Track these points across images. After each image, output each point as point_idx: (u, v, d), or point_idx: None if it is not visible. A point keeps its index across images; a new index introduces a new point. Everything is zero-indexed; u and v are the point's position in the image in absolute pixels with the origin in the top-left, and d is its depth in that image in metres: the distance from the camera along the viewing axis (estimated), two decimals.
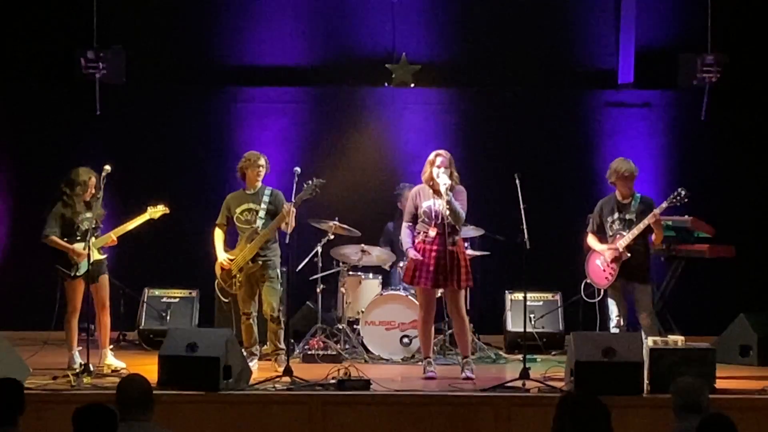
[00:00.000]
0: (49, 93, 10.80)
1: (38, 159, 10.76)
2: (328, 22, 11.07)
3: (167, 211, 8.68)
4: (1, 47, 10.74)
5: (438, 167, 8.05)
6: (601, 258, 8.28)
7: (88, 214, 8.32)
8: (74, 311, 8.34)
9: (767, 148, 10.77)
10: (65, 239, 8.26)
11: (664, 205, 8.12)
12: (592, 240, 8.42)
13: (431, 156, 8.16)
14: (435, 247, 8.01)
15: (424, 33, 11.07)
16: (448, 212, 7.95)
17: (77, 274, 8.27)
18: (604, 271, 8.27)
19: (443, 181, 7.98)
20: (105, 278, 8.48)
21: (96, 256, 8.31)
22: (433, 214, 8.05)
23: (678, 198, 8.12)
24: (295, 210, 8.32)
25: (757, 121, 10.79)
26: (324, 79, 11.02)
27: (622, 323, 8.24)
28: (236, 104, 11.08)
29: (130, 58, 10.65)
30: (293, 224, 8.27)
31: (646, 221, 8.10)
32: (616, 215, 8.30)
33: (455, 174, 8.12)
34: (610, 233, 8.30)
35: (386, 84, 10.95)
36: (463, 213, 8.06)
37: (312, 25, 11.09)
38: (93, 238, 8.29)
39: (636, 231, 8.15)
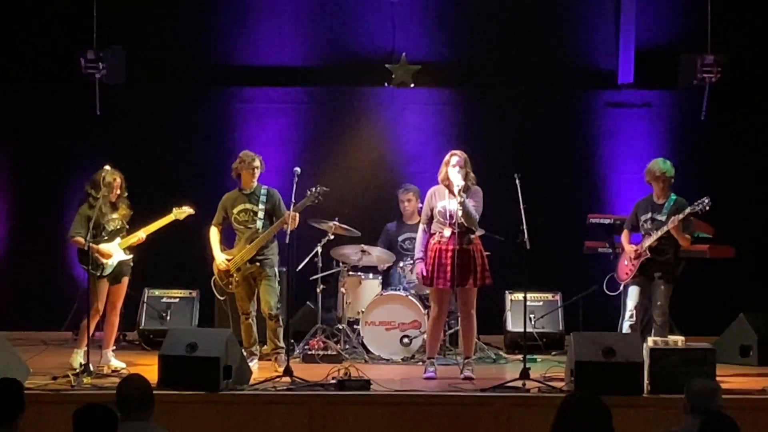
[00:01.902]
0: (49, 93, 10.79)
1: (38, 159, 10.76)
2: (328, 22, 11.06)
3: (192, 212, 8.69)
4: (2, 47, 10.74)
5: (453, 167, 8.07)
6: (628, 255, 8.38)
7: (114, 215, 8.39)
8: (96, 312, 8.32)
9: (767, 148, 10.76)
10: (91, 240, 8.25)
11: (688, 210, 8.15)
12: (623, 237, 8.57)
13: (447, 156, 8.19)
14: (450, 247, 8.02)
15: (424, 33, 11.06)
16: (461, 213, 7.97)
17: (103, 274, 8.28)
18: (626, 265, 8.41)
19: (457, 182, 7.99)
20: (126, 280, 8.52)
21: (122, 256, 8.35)
22: (448, 215, 8.07)
23: (702, 206, 8.14)
24: (297, 216, 8.32)
25: (757, 121, 10.78)
26: (324, 79, 11.01)
27: (634, 318, 8.30)
28: (236, 104, 11.07)
29: (130, 58, 10.64)
30: (295, 226, 8.29)
31: (668, 225, 8.17)
32: (648, 215, 8.39)
33: (471, 174, 8.15)
34: (642, 232, 8.39)
35: (386, 84, 10.93)
36: (476, 214, 8.08)
37: (312, 25, 11.08)
38: (119, 238, 8.35)
39: (659, 233, 8.22)
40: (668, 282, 8.34)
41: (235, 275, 8.58)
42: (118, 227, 8.43)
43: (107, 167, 8.34)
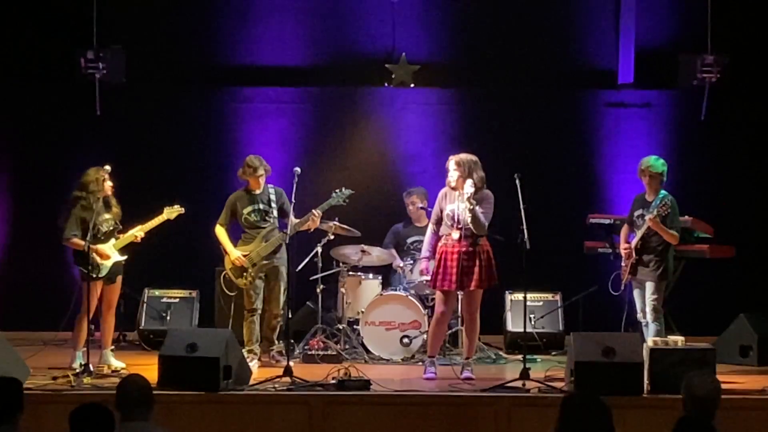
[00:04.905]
0: (49, 93, 10.78)
1: (38, 159, 10.75)
2: (328, 22, 11.06)
3: (182, 211, 8.68)
4: (1, 47, 10.74)
5: (451, 172, 8.08)
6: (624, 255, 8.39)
7: (107, 215, 8.35)
8: (89, 313, 8.31)
9: (767, 148, 10.77)
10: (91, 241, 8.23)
11: (655, 212, 8.13)
12: (622, 233, 8.55)
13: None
14: (457, 249, 8.04)
15: (424, 33, 11.06)
16: (469, 219, 7.97)
17: (99, 275, 8.27)
18: (624, 265, 8.37)
19: (466, 189, 7.99)
20: (120, 279, 8.51)
21: (117, 257, 8.34)
22: (456, 218, 8.07)
23: (665, 203, 8.14)
24: (320, 217, 8.42)
25: (757, 121, 10.78)
26: (324, 79, 11.01)
27: (641, 318, 8.29)
28: (236, 104, 11.07)
29: (130, 58, 10.63)
30: (315, 226, 8.41)
31: (645, 223, 8.15)
32: (640, 211, 8.38)
33: (478, 175, 8.09)
34: (635, 229, 8.36)
35: (386, 84, 10.94)
36: (485, 221, 8.05)
37: (312, 25, 11.08)
38: (113, 239, 8.33)
39: (639, 232, 8.20)
40: (652, 280, 8.25)
41: (250, 270, 8.62)
42: (112, 228, 8.38)
43: (107, 167, 8.33)
